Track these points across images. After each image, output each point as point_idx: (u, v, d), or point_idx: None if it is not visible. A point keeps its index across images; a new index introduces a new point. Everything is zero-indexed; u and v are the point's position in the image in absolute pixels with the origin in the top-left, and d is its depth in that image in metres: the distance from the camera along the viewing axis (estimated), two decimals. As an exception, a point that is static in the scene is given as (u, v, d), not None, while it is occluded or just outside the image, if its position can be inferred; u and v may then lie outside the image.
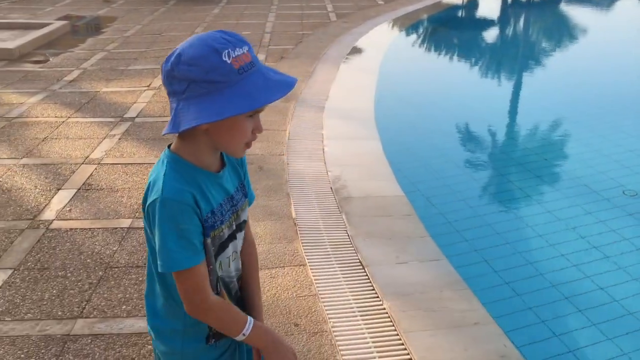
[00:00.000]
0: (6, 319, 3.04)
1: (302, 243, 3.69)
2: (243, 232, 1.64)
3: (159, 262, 1.41)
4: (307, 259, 3.51)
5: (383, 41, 10.32)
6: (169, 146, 1.47)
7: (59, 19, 11.60)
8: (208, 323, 1.52)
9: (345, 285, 3.25)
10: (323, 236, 3.77)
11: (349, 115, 6.26)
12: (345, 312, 3.01)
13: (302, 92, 6.85)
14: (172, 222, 1.37)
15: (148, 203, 1.40)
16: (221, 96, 1.31)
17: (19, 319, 3.04)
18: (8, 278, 3.38)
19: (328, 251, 3.59)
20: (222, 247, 1.54)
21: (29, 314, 3.07)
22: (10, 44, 8.92)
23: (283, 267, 3.45)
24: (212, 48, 1.31)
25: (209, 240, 1.46)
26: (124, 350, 2.82)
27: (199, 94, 1.32)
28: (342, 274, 3.35)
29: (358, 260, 3.47)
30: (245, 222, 1.64)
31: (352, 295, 3.15)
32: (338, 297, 3.14)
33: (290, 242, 3.71)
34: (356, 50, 9.24)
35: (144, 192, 1.45)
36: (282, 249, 3.62)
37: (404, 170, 5.07)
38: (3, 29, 10.28)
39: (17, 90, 7.03)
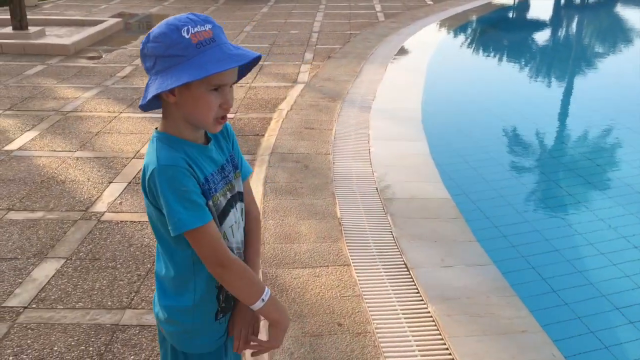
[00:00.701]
0: (59, 306, 3.14)
1: (346, 243, 3.68)
2: (242, 203, 1.70)
3: (169, 227, 1.46)
4: (352, 259, 3.51)
5: (431, 42, 10.22)
6: (156, 128, 1.56)
7: (113, 16, 11.91)
8: (230, 282, 1.53)
9: (390, 286, 3.23)
10: (368, 237, 3.76)
11: (395, 115, 6.22)
12: (389, 314, 2.99)
13: (348, 92, 6.85)
14: (172, 186, 1.44)
15: (147, 177, 1.47)
16: (179, 68, 1.41)
17: (71, 307, 3.13)
18: (61, 267, 3.49)
19: (372, 252, 3.58)
20: (223, 215, 1.59)
21: (80, 303, 3.17)
22: (67, 40, 9.20)
23: (327, 266, 3.45)
24: (174, 26, 1.42)
25: (210, 203, 1.53)
26: (170, 342, 2.87)
27: (163, 68, 1.43)
28: (386, 275, 3.34)
29: (403, 262, 3.45)
30: (241, 193, 1.69)
31: (396, 297, 3.13)
32: (382, 298, 3.13)
33: (335, 241, 3.71)
34: (404, 51, 9.17)
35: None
36: (326, 248, 3.63)
37: (450, 173, 5.01)
38: (60, 26, 10.61)
39: (72, 85, 7.25)
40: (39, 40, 9.24)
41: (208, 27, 1.43)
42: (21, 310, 3.10)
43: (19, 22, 9.30)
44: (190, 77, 1.39)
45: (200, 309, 1.60)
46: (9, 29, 9.40)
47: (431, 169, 4.83)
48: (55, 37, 9.70)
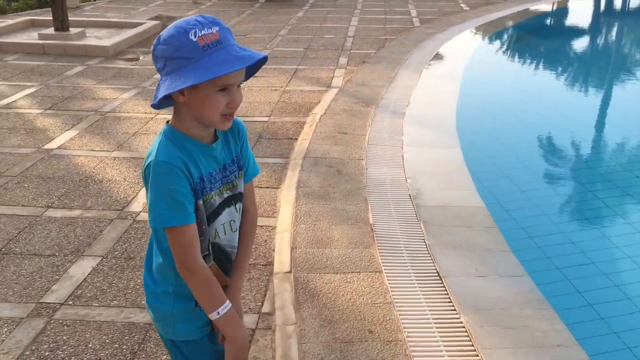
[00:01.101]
0: (94, 304, 3.20)
1: (378, 249, 3.67)
2: (239, 204, 1.74)
3: (149, 218, 1.55)
4: (384, 265, 3.49)
5: (467, 48, 10.13)
6: (168, 121, 1.63)
7: (151, 19, 12.11)
8: (190, 285, 1.60)
9: (422, 295, 3.20)
10: (400, 244, 3.74)
11: (430, 122, 6.18)
12: (421, 323, 2.97)
13: (383, 97, 6.83)
14: (162, 182, 1.52)
15: (144, 167, 1.57)
16: (187, 70, 1.47)
17: (106, 305, 3.19)
18: (97, 265, 3.55)
19: (405, 259, 3.56)
20: (215, 214, 1.65)
21: (114, 301, 3.22)
22: (106, 42, 9.38)
23: (359, 272, 3.44)
24: (182, 29, 1.48)
25: (200, 202, 1.59)
26: (202, 343, 2.89)
27: (172, 69, 1.50)
28: (418, 283, 3.31)
29: (435, 271, 3.42)
30: (241, 193, 1.74)
31: (428, 306, 3.10)
32: (414, 306, 3.10)
33: (367, 247, 3.70)
34: (439, 57, 9.11)
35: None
36: (358, 254, 3.62)
37: (484, 181, 4.96)
38: (100, 27, 10.84)
39: (110, 86, 7.39)
40: (80, 41, 9.44)
41: (215, 29, 1.49)
42: (58, 306, 3.17)
43: (61, 24, 9.52)
44: (196, 79, 1.45)
45: (181, 295, 1.67)
46: (50, 30, 9.64)
47: (465, 176, 4.78)
48: (95, 38, 9.90)
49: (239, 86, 1.56)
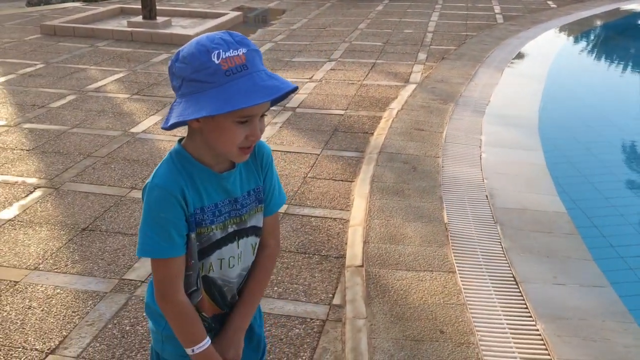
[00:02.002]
0: (172, 284, 3.31)
1: (452, 249, 3.61)
2: (250, 238, 1.59)
3: (138, 246, 1.44)
4: (457, 266, 3.43)
5: (553, 47, 9.76)
6: (180, 139, 1.50)
7: (234, 9, 12.37)
8: (167, 318, 1.51)
9: (496, 299, 3.13)
10: (475, 245, 3.66)
11: (510, 122, 6.01)
12: (495, 327, 2.90)
13: (462, 95, 6.70)
14: (154, 208, 1.40)
15: (144, 186, 1.46)
16: (205, 97, 1.31)
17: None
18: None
19: (479, 261, 3.49)
20: (211, 248, 1.51)
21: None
22: (190, 31, 9.67)
23: (431, 271, 3.40)
24: (204, 48, 1.32)
25: (193, 235, 1.46)
26: (273, 330, 2.95)
27: (189, 91, 1.34)
28: (493, 286, 3.24)
29: (511, 275, 3.33)
30: (255, 227, 1.59)
31: (502, 311, 3.03)
32: (487, 310, 3.04)
33: (441, 246, 3.65)
34: (522, 55, 8.84)
35: None
36: (431, 253, 3.58)
37: (565, 186, 4.78)
38: (184, 17, 11.17)
39: (193, 74, 7.59)
40: (165, 30, 9.77)
41: (242, 51, 1.33)
42: (139, 284, 3.31)
43: (149, 12, 9.88)
44: (213, 109, 1.30)
45: None
46: (139, 18, 10.02)
47: (546, 180, 4.62)
48: (180, 27, 10.22)
49: (262, 116, 1.41)
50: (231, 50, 1.32)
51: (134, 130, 5.64)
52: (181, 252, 1.44)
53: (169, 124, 1.38)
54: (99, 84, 7.13)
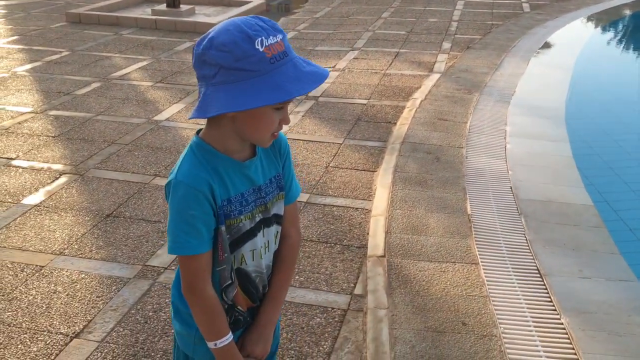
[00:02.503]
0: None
1: (475, 241, 3.57)
2: (274, 227, 1.58)
3: (168, 244, 1.42)
4: (480, 258, 3.40)
5: (580, 37, 9.58)
6: (198, 131, 1.46)
7: (257, -3, 12.32)
8: (192, 311, 1.49)
9: (520, 291, 3.09)
10: (499, 237, 3.62)
11: (536, 113, 5.91)
12: (518, 320, 2.87)
13: (487, 85, 6.61)
14: (181, 205, 1.37)
15: (166, 183, 1.42)
16: (251, 85, 1.27)
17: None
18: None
19: (503, 253, 3.44)
20: (243, 239, 1.49)
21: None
22: (213, 20, 9.68)
23: (454, 262, 3.37)
24: (246, 34, 1.27)
25: (223, 228, 1.43)
26: (294, 319, 2.95)
27: (228, 80, 1.28)
28: (516, 279, 3.20)
29: (536, 268, 3.28)
30: (277, 216, 1.57)
31: (526, 303, 2.99)
32: (511, 302, 3.00)
33: (464, 238, 3.62)
34: (549, 45, 8.68)
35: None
36: (454, 244, 3.55)
37: (592, 178, 4.69)
38: (207, 5, 11.18)
39: (216, 63, 7.60)
40: (189, 18, 9.79)
41: (279, 37, 1.30)
42: (162, 270, 3.33)
43: (173, 1, 9.90)
44: (270, 99, 1.27)
45: None
46: (163, 6, 10.06)
47: (572, 172, 4.55)
48: (204, 15, 10.24)
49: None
50: (271, 37, 1.29)
51: (157, 118, 5.67)
52: (208, 247, 1.42)
53: (212, 114, 1.31)
54: (123, 71, 7.18)
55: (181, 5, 10.03)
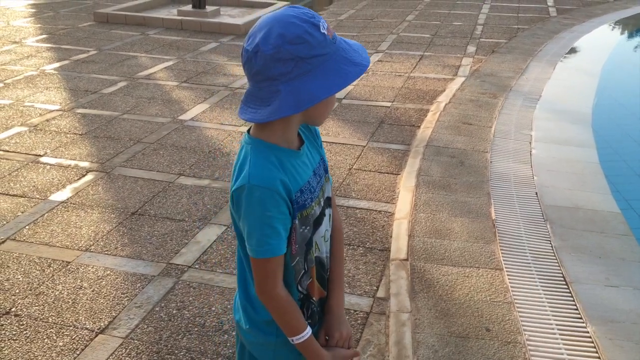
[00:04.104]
0: (218, 270, 3.35)
1: (500, 246, 3.54)
2: (329, 209, 1.60)
3: (249, 248, 1.41)
4: (505, 263, 3.37)
5: (608, 42, 9.45)
6: (248, 131, 1.45)
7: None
8: (270, 310, 1.50)
9: (545, 299, 3.06)
10: (523, 243, 3.58)
11: (563, 118, 5.85)
12: (543, 328, 2.84)
13: (512, 89, 6.55)
14: (260, 208, 1.36)
15: (234, 188, 1.39)
16: (330, 68, 1.32)
17: (229, 272, 3.34)
18: (222, 233, 3.72)
19: (528, 259, 3.41)
20: (316, 224, 1.51)
21: (236, 270, 3.35)
22: (239, 21, 9.73)
23: (478, 267, 3.34)
24: (311, 22, 1.31)
25: (296, 222, 1.44)
26: (317, 320, 2.95)
27: (306, 70, 1.31)
28: (542, 286, 3.16)
29: (561, 275, 3.24)
30: (329, 198, 1.59)
31: (551, 311, 2.95)
32: (536, 309, 2.97)
33: (488, 243, 3.59)
34: (576, 50, 8.58)
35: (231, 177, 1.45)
36: (478, 249, 3.52)
37: (619, 185, 4.62)
38: (233, 6, 11.24)
39: (240, 64, 7.61)
40: (214, 19, 9.86)
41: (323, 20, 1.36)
42: (185, 269, 3.36)
43: (198, 1, 9.98)
44: (355, 73, 1.34)
45: None
46: (188, 7, 10.14)
47: (599, 178, 4.49)
48: (229, 17, 10.29)
49: None
50: (323, 21, 1.34)
51: (182, 117, 5.72)
52: (284, 248, 1.43)
53: (306, 107, 1.33)
54: (149, 71, 7.25)
55: (207, 7, 10.10)
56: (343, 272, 1.72)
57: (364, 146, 5.12)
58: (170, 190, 4.26)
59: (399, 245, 3.56)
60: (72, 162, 4.67)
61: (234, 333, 2.84)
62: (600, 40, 9.47)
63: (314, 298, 1.59)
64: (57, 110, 5.82)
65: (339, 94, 6.40)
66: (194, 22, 9.61)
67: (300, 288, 1.54)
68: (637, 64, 9.22)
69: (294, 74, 1.31)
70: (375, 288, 3.24)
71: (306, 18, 1.32)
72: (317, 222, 1.52)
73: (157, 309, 3.02)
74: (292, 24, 1.31)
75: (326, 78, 1.32)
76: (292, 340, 1.51)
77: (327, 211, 1.58)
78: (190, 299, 3.10)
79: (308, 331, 1.51)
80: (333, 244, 1.66)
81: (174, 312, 3.00)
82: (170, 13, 10.40)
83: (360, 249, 3.60)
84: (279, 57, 1.30)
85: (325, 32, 1.33)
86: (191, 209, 4.00)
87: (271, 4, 11.14)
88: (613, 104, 6.89)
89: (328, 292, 1.66)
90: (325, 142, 5.15)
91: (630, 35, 10.61)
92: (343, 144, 5.16)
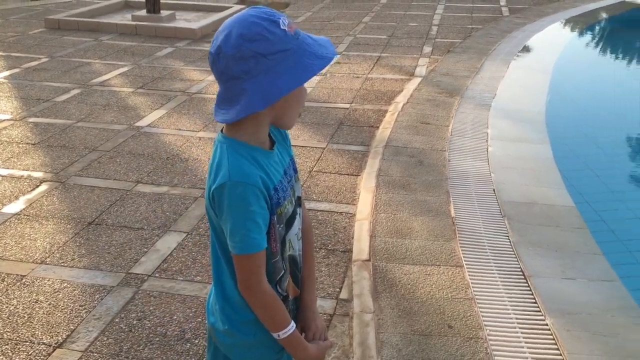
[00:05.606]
0: (179, 278, 3.30)
1: (460, 243, 3.59)
2: (300, 208, 1.62)
3: (232, 245, 1.42)
4: (465, 260, 3.41)
5: (559, 40, 9.71)
6: (221, 131, 1.47)
7: (237, 3, 12.31)
8: (255, 307, 1.50)
9: (505, 293, 3.11)
10: (482, 239, 3.64)
11: (517, 115, 5.97)
12: (503, 322, 2.88)
13: (468, 88, 6.66)
14: (242, 204, 1.38)
15: (214, 187, 1.40)
16: (295, 61, 1.34)
17: (190, 280, 3.29)
18: (182, 241, 3.67)
19: (487, 255, 3.46)
20: (289, 223, 1.54)
21: (198, 277, 3.31)
22: (194, 25, 9.64)
23: (439, 265, 3.38)
24: (270, 20, 1.34)
25: (274, 219, 1.47)
26: (281, 324, 2.94)
27: (269, 67, 1.33)
28: (501, 281, 3.22)
29: (520, 270, 3.31)
30: (299, 197, 1.62)
31: (511, 305, 3.01)
32: (496, 304, 3.02)
33: (448, 241, 3.63)
34: (529, 48, 8.78)
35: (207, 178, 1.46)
36: (438, 247, 3.56)
37: (573, 179, 4.74)
38: (189, 10, 11.14)
39: (197, 68, 7.58)
40: (170, 23, 9.74)
41: (287, 17, 1.38)
42: (145, 278, 3.30)
43: (153, 6, 9.84)
44: (319, 65, 1.36)
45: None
46: (143, 12, 9.98)
47: (554, 173, 4.60)
48: (184, 21, 10.19)
49: None
50: (283, 17, 1.36)
51: (139, 124, 5.62)
52: (265, 243, 1.45)
53: (271, 103, 1.35)
54: (104, 77, 7.11)
55: (162, 11, 9.97)
56: (315, 270, 1.74)
57: (324, 148, 5.12)
58: (128, 199, 4.18)
59: (361, 246, 3.58)
60: (25, 173, 4.54)
61: (196, 341, 2.81)
62: (552, 38, 9.72)
63: (290, 298, 1.62)
64: (8, 120, 5.66)
65: (298, 97, 6.39)
66: (149, 27, 9.48)
67: (280, 289, 1.56)
68: (588, 61, 9.49)
69: (257, 71, 1.34)
70: (338, 290, 3.24)
71: (265, 16, 1.34)
72: (290, 220, 1.55)
73: (116, 320, 2.95)
74: (252, 22, 1.34)
75: (290, 72, 1.35)
76: (278, 336, 1.51)
77: (299, 210, 1.61)
78: (151, 308, 3.04)
79: (293, 325, 1.53)
80: (304, 242, 1.69)
81: (135, 322, 2.94)
82: (124, 18, 10.24)
83: (323, 251, 3.60)
84: (240, 55, 1.33)
85: (286, 29, 1.34)
86: (150, 217, 3.93)
87: (227, 8, 11.07)
88: (565, 100, 7.08)
89: (301, 289, 1.68)
90: (285, 145, 5.13)
91: (581, 33, 10.93)
92: (303, 146, 5.15)
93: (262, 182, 1.41)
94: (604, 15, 12.22)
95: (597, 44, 10.86)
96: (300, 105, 1.48)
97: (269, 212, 1.44)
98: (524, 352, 2.68)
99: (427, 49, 8.57)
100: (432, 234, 3.70)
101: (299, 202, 1.62)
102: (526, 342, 2.74)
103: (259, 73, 1.34)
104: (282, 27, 1.34)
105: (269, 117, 1.45)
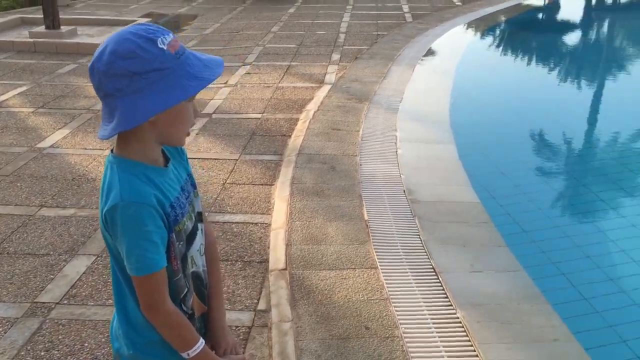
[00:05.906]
0: (89, 303, 3.18)
1: (373, 246, 3.66)
2: (201, 223, 1.62)
3: (129, 267, 1.39)
4: (379, 262, 3.49)
5: (460, 43, 10.14)
6: (111, 151, 1.44)
7: (142, 16, 12.05)
8: (160, 327, 1.47)
9: (418, 291, 3.20)
10: (395, 240, 3.74)
11: (423, 118, 6.18)
12: (417, 319, 2.97)
13: (376, 93, 6.82)
14: (136, 224, 1.35)
15: (106, 209, 1.37)
16: (171, 81, 1.32)
17: (101, 304, 3.17)
18: (92, 264, 3.54)
19: (400, 255, 3.56)
20: (190, 240, 1.53)
21: (110, 300, 3.20)
22: (98, 40, 9.35)
23: (354, 268, 3.44)
24: (146, 38, 1.31)
25: (173, 236, 1.45)
26: (198, 342, 2.88)
27: (143, 85, 1.31)
28: (414, 279, 3.31)
29: (431, 267, 3.42)
30: (200, 213, 1.61)
31: (424, 302, 3.10)
32: (410, 302, 3.11)
33: (362, 244, 3.70)
34: (432, 52, 9.11)
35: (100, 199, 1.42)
36: (353, 251, 3.62)
37: (478, 176, 4.96)
38: (91, 25, 10.77)
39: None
40: (71, 39, 9.38)
41: (172, 35, 1.36)
42: (53, 306, 3.15)
43: (52, 22, 9.44)
44: (195, 87, 1.34)
45: (168, 343, 1.52)
46: (41, 28, 9.56)
47: (460, 172, 4.78)
48: (87, 36, 9.84)
49: None
50: (166, 36, 1.34)
51: (40, 145, 5.37)
52: (165, 262, 1.42)
53: (142, 122, 1.33)
54: (1, 98, 6.74)
55: (62, 27, 9.59)
56: (222, 285, 1.73)
57: (237, 159, 5.09)
58: (31, 224, 3.98)
59: (277, 256, 3.58)
60: None
61: (110, 367, 2.71)
62: (453, 42, 10.13)
63: (197, 315, 1.59)
64: None
65: (209, 109, 6.33)
66: (49, 44, 9.09)
67: (184, 307, 1.52)
68: (488, 62, 9.96)
69: (130, 90, 1.31)
70: (255, 301, 3.22)
71: (143, 34, 1.32)
72: (191, 237, 1.53)
73: (22, 353, 2.80)
74: (126, 39, 1.31)
75: (164, 92, 1.32)
76: (187, 355, 1.48)
77: (200, 225, 1.60)
78: (60, 337, 2.91)
79: (202, 341, 1.51)
80: (208, 257, 1.67)
81: (42, 354, 2.80)
82: (21, 35, 9.76)
83: (239, 263, 3.57)
84: (112, 72, 1.31)
85: (165, 47, 1.32)
86: (56, 242, 3.76)
87: (131, 22, 10.80)
88: (468, 101, 7.38)
89: (208, 306, 1.66)
90: (197, 158, 5.06)
91: (480, 36, 11.45)
92: (215, 159, 5.10)
93: (156, 200, 1.39)
94: (502, 17, 12.88)
95: (496, 46, 11.42)
96: (187, 123, 1.44)
97: (166, 230, 1.42)
98: (438, 347, 2.77)
99: (336, 57, 8.71)
100: (347, 238, 3.75)
101: (199, 217, 1.60)
102: (439, 337, 2.83)
103: (133, 91, 1.31)
104: (159, 45, 1.31)
105: (152, 135, 1.41)
